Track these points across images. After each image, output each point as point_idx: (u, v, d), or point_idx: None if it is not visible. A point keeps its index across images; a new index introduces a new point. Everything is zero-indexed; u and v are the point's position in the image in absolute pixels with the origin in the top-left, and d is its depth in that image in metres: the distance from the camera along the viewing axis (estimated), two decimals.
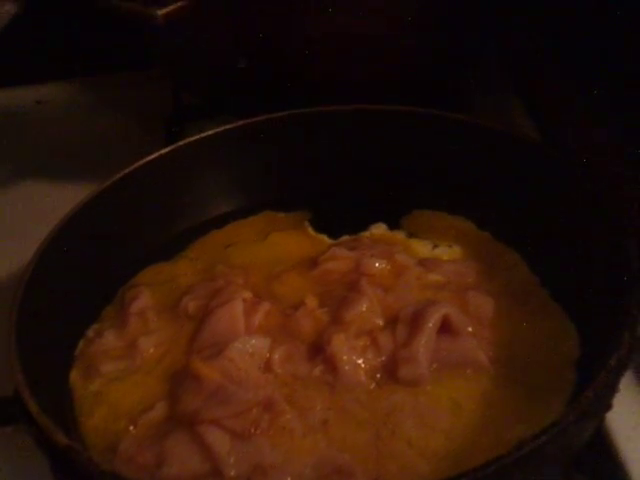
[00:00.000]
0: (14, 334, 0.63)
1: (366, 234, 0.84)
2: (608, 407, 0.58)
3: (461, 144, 0.85)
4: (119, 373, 0.69)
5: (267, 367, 0.66)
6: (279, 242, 0.85)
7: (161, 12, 0.82)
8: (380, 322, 0.69)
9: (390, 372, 0.65)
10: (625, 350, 0.55)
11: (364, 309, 0.69)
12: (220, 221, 0.89)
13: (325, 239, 0.84)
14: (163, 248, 0.85)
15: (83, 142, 1.22)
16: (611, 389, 0.57)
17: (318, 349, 0.67)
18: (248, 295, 0.73)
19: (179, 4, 0.83)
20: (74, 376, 0.70)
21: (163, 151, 0.86)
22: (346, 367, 0.65)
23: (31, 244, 0.73)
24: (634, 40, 0.81)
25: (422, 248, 0.82)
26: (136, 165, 0.84)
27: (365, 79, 0.99)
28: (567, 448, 0.55)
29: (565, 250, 0.74)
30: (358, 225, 0.85)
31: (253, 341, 0.67)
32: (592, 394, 0.52)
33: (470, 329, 0.68)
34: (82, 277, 0.77)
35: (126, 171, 0.83)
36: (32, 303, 0.68)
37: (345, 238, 0.84)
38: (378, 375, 0.65)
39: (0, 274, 0.90)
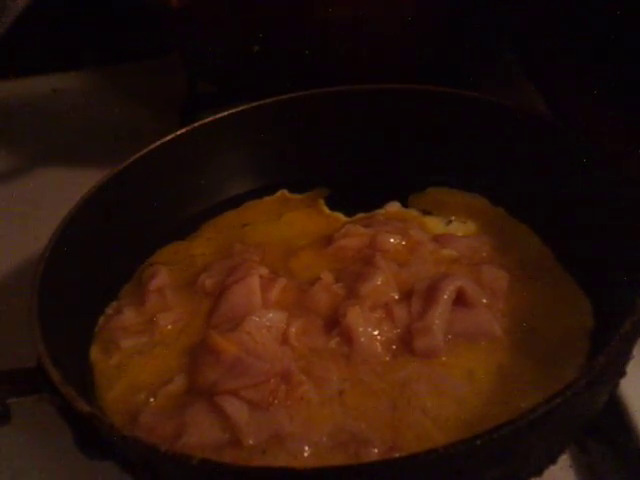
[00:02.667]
0: (36, 310, 0.64)
1: (381, 212, 0.85)
2: (622, 374, 0.58)
3: (475, 122, 0.85)
4: (138, 348, 0.71)
5: (284, 340, 0.67)
6: (294, 221, 0.86)
7: None
8: (395, 295, 0.70)
9: (405, 343, 0.66)
10: (637, 316, 0.55)
11: (379, 283, 0.70)
12: (236, 201, 0.90)
13: (340, 217, 0.85)
14: (180, 228, 0.86)
15: (99, 129, 1.23)
16: (624, 355, 0.57)
17: (334, 322, 0.68)
18: (264, 271, 0.74)
19: None
20: (94, 351, 0.72)
21: (179, 132, 0.87)
22: (362, 339, 0.66)
23: (49, 227, 0.74)
24: None
25: (436, 224, 0.82)
26: (152, 146, 0.85)
27: (379, 61, 0.99)
28: (580, 414, 0.56)
29: (578, 224, 0.74)
30: (373, 203, 0.86)
31: (270, 314, 0.68)
32: (604, 360, 0.52)
33: (485, 301, 0.68)
34: (101, 256, 0.78)
35: (142, 152, 0.84)
36: (52, 281, 0.69)
37: (360, 216, 0.85)
38: (394, 347, 0.66)
39: (21, 254, 0.92)
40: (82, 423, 0.56)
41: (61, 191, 1.00)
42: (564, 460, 0.63)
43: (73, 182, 0.94)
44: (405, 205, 0.86)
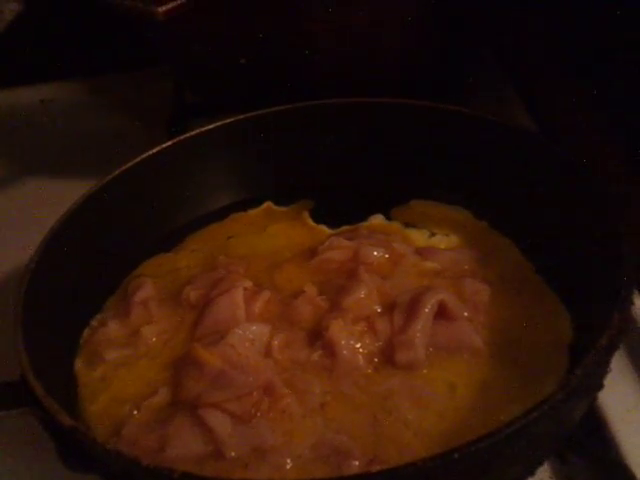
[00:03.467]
0: (20, 322, 0.64)
1: (364, 224, 0.85)
2: (599, 386, 0.59)
3: (459, 136, 0.86)
4: (123, 360, 0.71)
5: (267, 353, 0.68)
6: (279, 233, 0.86)
7: (161, 9, 0.83)
8: (378, 308, 0.70)
9: (387, 356, 0.66)
10: (615, 330, 0.56)
11: (362, 296, 0.70)
12: (221, 214, 0.91)
13: (324, 229, 0.86)
14: (165, 240, 0.87)
15: (86, 140, 1.23)
16: (602, 368, 0.58)
17: (317, 335, 0.68)
18: (249, 284, 0.74)
19: (179, 1, 0.84)
20: (79, 363, 0.72)
21: (164, 145, 0.88)
22: (344, 352, 0.66)
23: (35, 239, 0.74)
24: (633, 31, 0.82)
25: (419, 237, 0.83)
26: (138, 159, 0.86)
27: (364, 74, 1.00)
28: (558, 426, 0.56)
29: (559, 239, 0.75)
30: (357, 216, 0.86)
31: (253, 328, 0.69)
32: (582, 373, 0.53)
33: (466, 314, 0.69)
34: (86, 268, 0.78)
35: (129, 164, 0.85)
36: (37, 293, 0.69)
37: (344, 228, 0.85)
38: (375, 359, 0.67)
39: (6, 266, 0.92)
40: (65, 436, 0.56)
41: (48, 202, 1.00)
42: (543, 472, 0.63)
43: (60, 192, 0.94)
44: (388, 218, 0.86)
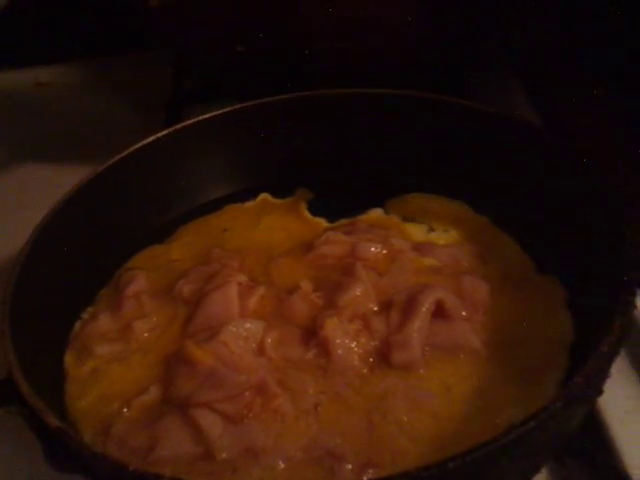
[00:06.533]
0: (8, 316, 0.63)
1: (362, 218, 0.84)
2: (599, 392, 0.58)
3: (461, 129, 0.85)
4: (113, 355, 0.70)
5: (260, 351, 0.66)
6: (275, 226, 0.85)
7: None
8: (374, 306, 0.69)
9: (383, 356, 0.65)
10: (616, 336, 0.54)
11: (358, 293, 0.69)
12: (216, 205, 0.89)
13: (322, 222, 0.85)
14: (159, 232, 0.85)
15: (82, 124, 1.22)
16: (602, 375, 0.57)
17: (312, 333, 0.67)
18: (243, 279, 0.73)
19: None
20: (68, 358, 0.71)
21: (160, 134, 0.86)
22: (339, 351, 0.65)
23: (27, 226, 0.73)
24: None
25: (418, 232, 0.82)
26: (133, 148, 0.84)
27: (365, 65, 0.98)
28: (557, 433, 0.55)
29: (562, 237, 0.73)
30: (355, 208, 0.85)
31: (247, 324, 0.67)
32: (582, 379, 0.52)
33: (464, 313, 0.68)
34: (77, 260, 0.77)
35: (123, 154, 0.83)
36: (27, 285, 0.68)
37: (341, 222, 0.84)
38: (371, 359, 0.65)
39: None
40: (52, 436, 0.55)
41: (41, 187, 0.99)
42: (541, 476, 0.62)
43: (54, 178, 0.94)
44: (388, 211, 0.85)
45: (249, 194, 0.90)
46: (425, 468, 0.47)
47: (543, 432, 0.51)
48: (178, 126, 0.88)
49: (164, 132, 0.87)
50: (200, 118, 0.88)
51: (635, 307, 0.58)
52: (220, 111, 0.89)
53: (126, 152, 0.83)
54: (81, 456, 0.53)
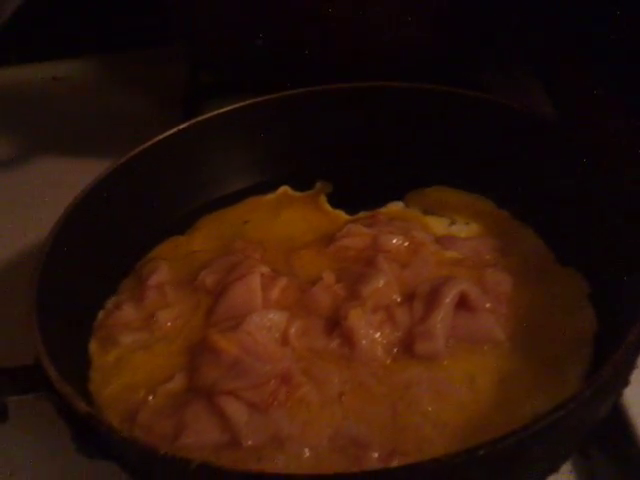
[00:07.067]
0: (35, 304, 0.64)
1: (382, 211, 0.84)
2: (625, 383, 0.58)
3: (480, 122, 0.85)
4: (138, 344, 0.70)
5: (284, 340, 0.66)
6: (296, 218, 0.85)
7: None
8: (397, 298, 0.69)
9: (407, 347, 0.65)
10: None
11: (381, 285, 0.69)
12: (237, 197, 0.89)
13: (342, 215, 0.85)
14: (180, 223, 0.86)
15: (99, 118, 1.22)
16: (629, 365, 0.57)
17: (335, 323, 0.67)
18: (266, 270, 0.73)
19: None
20: (93, 346, 0.71)
21: (181, 126, 0.86)
22: (363, 341, 0.65)
23: (49, 218, 0.73)
24: None
25: (438, 225, 0.81)
26: (155, 140, 0.84)
27: (382, 58, 0.98)
28: (583, 423, 0.55)
29: (584, 228, 0.73)
30: (375, 201, 0.85)
31: (270, 315, 0.68)
32: (610, 370, 0.52)
33: (488, 305, 0.68)
34: (100, 250, 0.77)
35: (145, 145, 0.83)
36: (52, 275, 0.68)
37: (362, 214, 0.84)
38: (395, 350, 0.66)
39: (20, 247, 0.91)
40: (80, 422, 0.56)
41: (61, 181, 1.00)
42: (565, 467, 0.62)
43: (73, 172, 0.94)
44: (408, 204, 0.85)
45: (269, 186, 0.90)
46: (456, 455, 0.47)
47: (570, 421, 0.51)
48: (199, 118, 0.88)
49: (185, 124, 0.87)
50: (221, 110, 0.89)
51: None
52: (240, 104, 0.89)
53: (148, 144, 0.84)
54: (110, 441, 0.54)
